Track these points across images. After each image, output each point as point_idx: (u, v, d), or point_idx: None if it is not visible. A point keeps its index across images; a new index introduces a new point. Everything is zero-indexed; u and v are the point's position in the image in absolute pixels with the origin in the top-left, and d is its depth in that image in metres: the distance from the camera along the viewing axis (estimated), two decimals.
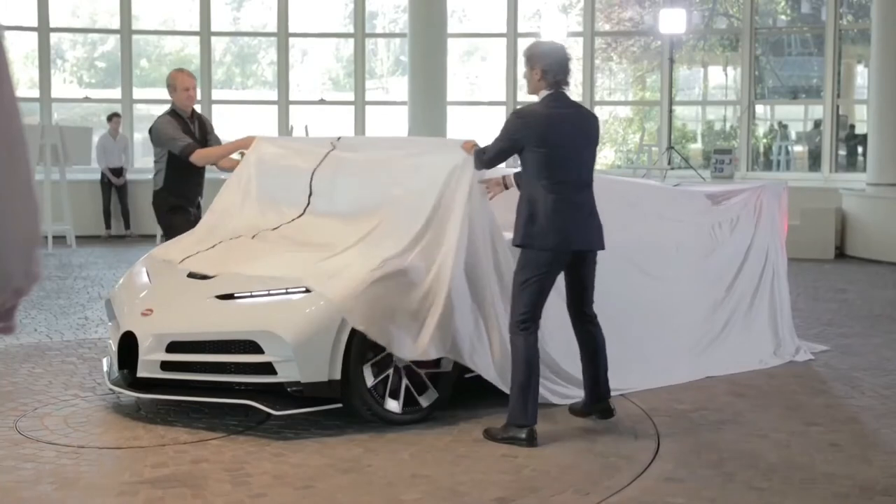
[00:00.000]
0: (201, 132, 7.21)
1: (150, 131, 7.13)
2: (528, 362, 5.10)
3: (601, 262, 5.45)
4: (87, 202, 15.00)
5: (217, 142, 7.30)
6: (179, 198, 7.03)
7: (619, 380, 5.82)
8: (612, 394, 5.53)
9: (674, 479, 4.67)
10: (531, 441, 5.05)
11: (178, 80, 7.13)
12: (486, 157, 5.40)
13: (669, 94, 17.18)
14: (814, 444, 5.19)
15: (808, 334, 7.87)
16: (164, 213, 7.05)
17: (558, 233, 5.13)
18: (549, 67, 5.23)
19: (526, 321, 5.13)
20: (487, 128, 18.38)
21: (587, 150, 5.32)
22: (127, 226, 15.18)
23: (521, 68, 5.50)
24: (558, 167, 5.15)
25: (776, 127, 18.00)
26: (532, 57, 5.29)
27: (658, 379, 6.24)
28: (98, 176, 15.16)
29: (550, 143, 5.14)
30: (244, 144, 6.92)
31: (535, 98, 5.35)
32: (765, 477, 4.69)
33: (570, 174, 5.19)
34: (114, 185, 15.10)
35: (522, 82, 18.06)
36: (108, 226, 15.12)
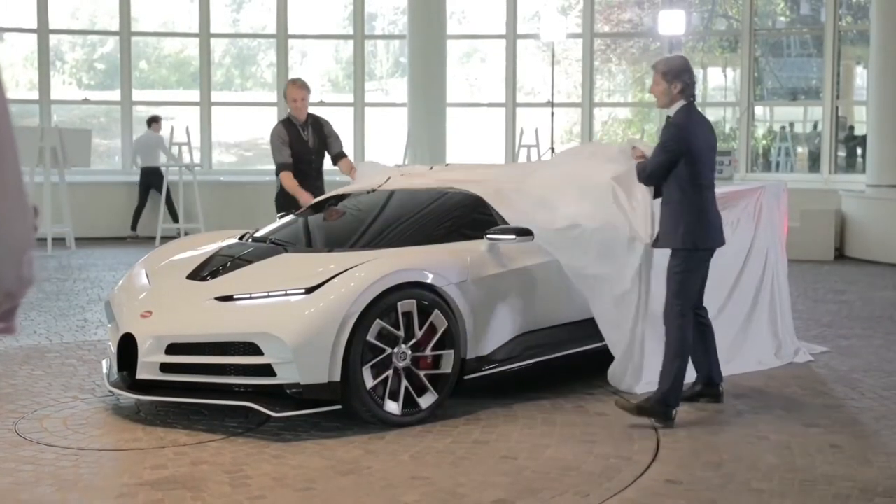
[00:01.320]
0: (317, 136, 7.88)
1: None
2: (684, 348, 5.61)
3: None
4: (87, 204, 14.99)
5: (337, 141, 8.02)
6: (293, 200, 7.58)
7: (625, 383, 6.12)
8: (615, 395, 5.53)
9: (674, 480, 4.67)
10: (673, 421, 5.51)
11: (288, 92, 7.82)
12: (648, 173, 5.78)
13: None
14: (814, 446, 5.18)
15: (807, 336, 7.87)
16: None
17: (716, 232, 5.71)
18: (689, 81, 5.72)
19: (684, 313, 5.61)
20: (487, 129, 18.41)
21: (715, 154, 5.87)
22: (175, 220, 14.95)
23: (648, 82, 6.07)
24: (705, 172, 5.66)
25: (786, 128, 17.97)
26: (671, 72, 5.70)
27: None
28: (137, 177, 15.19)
29: (700, 150, 5.61)
30: (307, 200, 7.40)
31: (667, 111, 5.75)
32: (765, 478, 4.69)
33: (710, 177, 5.73)
34: (153, 187, 14.99)
35: (522, 83, 18.22)
36: (134, 227, 14.99)
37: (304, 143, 7.80)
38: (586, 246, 6.01)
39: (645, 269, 5.94)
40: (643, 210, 5.94)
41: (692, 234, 5.58)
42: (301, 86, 7.78)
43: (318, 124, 7.92)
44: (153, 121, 15.31)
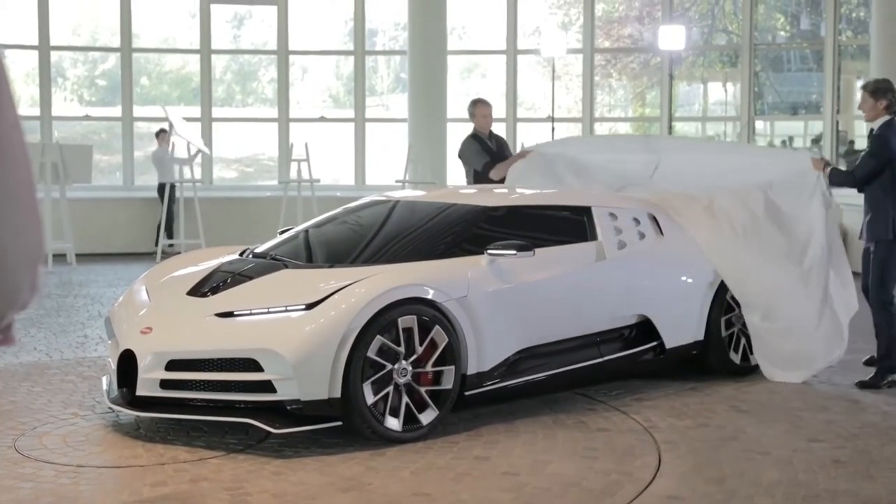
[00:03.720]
0: (498, 148, 8.95)
1: (459, 152, 9.07)
2: (893, 329, 6.74)
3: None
4: (88, 220, 14.98)
5: (510, 155, 8.97)
6: None
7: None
8: (617, 410, 5.50)
9: (675, 496, 4.65)
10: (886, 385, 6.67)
11: (476, 109, 9.16)
12: (858, 178, 6.75)
13: (669, 110, 17.21)
14: (816, 461, 5.17)
15: None
16: None
17: None
18: (893, 99, 6.69)
19: (890, 297, 6.74)
20: None
21: None
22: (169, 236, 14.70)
23: (857, 99, 6.92)
24: None
25: (786, 143, 18.00)
26: (879, 91, 6.70)
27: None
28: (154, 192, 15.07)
29: None
30: (521, 156, 8.46)
31: (872, 123, 6.79)
32: (767, 494, 4.67)
33: None
34: (169, 200, 14.76)
35: (522, 99, 18.25)
36: (157, 243, 14.83)
37: (490, 154, 8.89)
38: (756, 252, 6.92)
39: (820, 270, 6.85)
40: (816, 212, 6.89)
41: None
42: (488, 103, 9.27)
43: (499, 140, 9.08)
44: (161, 133, 15.15)
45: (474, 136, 9.05)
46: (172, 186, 14.51)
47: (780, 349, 6.85)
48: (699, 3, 18.84)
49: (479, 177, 8.67)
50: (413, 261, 5.98)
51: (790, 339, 6.82)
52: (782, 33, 18.96)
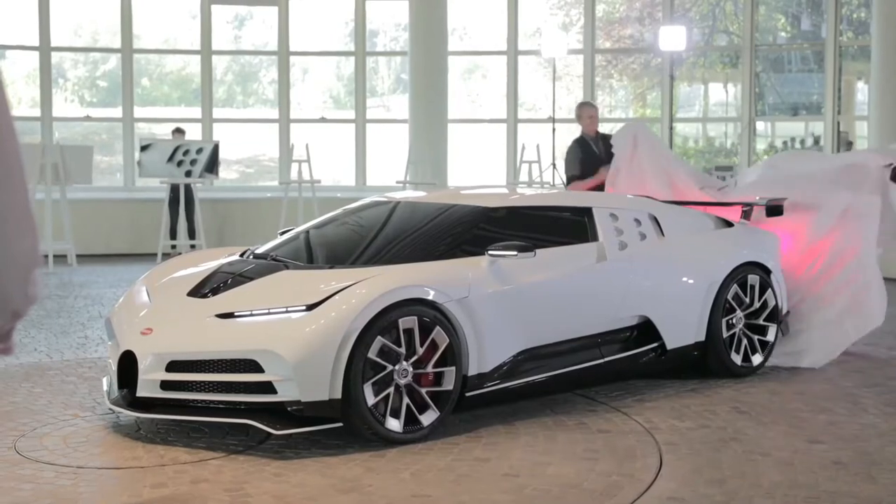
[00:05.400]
0: (606, 149, 9.05)
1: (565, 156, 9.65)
2: None
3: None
4: (89, 221, 14.98)
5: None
6: None
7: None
8: (618, 411, 5.50)
9: (676, 497, 4.64)
10: None
11: (583, 111, 9.65)
12: None
13: (670, 110, 17.20)
14: (817, 463, 5.16)
15: None
16: None
17: None
18: None
19: None
20: (488, 145, 18.44)
21: None
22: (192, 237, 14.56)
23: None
24: None
25: (787, 143, 17.99)
26: None
27: None
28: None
29: None
30: (600, 179, 8.84)
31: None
32: (768, 495, 4.67)
33: None
34: (180, 200, 14.65)
35: (523, 99, 18.26)
36: (173, 245, 14.74)
37: (596, 156, 9.32)
38: None
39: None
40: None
41: None
42: (594, 105, 9.86)
43: (606, 141, 9.17)
44: (176, 132, 15.02)
45: (579, 141, 9.51)
46: (187, 187, 14.48)
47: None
48: (700, 4, 18.84)
49: (569, 183, 9.33)
50: (414, 262, 5.97)
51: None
52: (783, 34, 18.95)
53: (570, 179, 9.41)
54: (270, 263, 6.26)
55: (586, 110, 9.65)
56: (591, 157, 9.39)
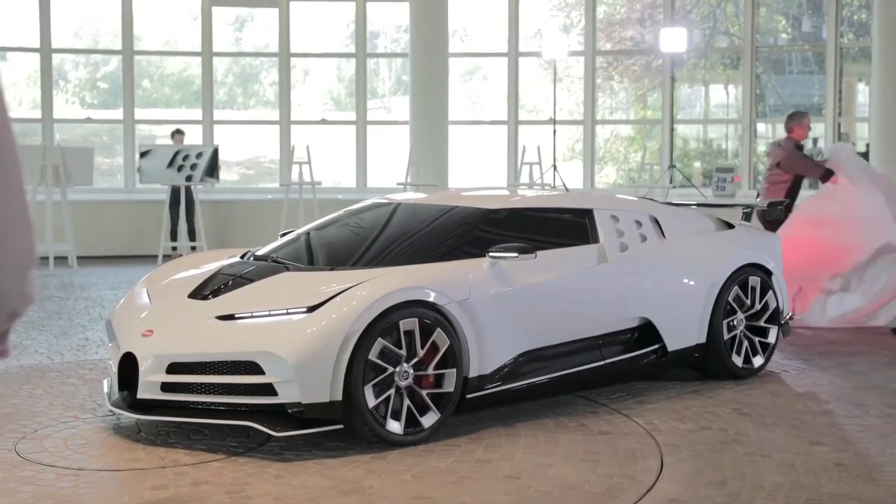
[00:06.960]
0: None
1: (788, 162, 9.91)
2: None
3: None
4: (89, 222, 14.98)
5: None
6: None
7: None
8: (619, 412, 5.49)
9: (677, 499, 4.64)
10: None
11: (805, 119, 10.17)
12: None
13: (671, 112, 17.20)
14: (819, 464, 5.15)
15: (812, 352, 7.85)
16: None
17: None
18: None
19: None
20: (489, 147, 18.43)
21: None
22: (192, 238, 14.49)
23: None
24: None
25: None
26: None
27: None
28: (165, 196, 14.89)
29: None
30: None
31: None
32: (769, 497, 4.66)
33: None
34: (181, 203, 14.60)
35: (524, 101, 18.25)
36: (174, 246, 14.69)
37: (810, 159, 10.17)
38: None
39: None
40: None
41: None
42: (809, 115, 10.42)
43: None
44: (176, 133, 14.95)
45: (799, 146, 10.14)
46: (188, 188, 14.46)
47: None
48: (700, 6, 18.84)
49: (796, 182, 9.88)
50: (415, 263, 5.97)
51: None
52: (784, 35, 18.95)
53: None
54: (271, 265, 6.26)
55: (808, 119, 10.29)
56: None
